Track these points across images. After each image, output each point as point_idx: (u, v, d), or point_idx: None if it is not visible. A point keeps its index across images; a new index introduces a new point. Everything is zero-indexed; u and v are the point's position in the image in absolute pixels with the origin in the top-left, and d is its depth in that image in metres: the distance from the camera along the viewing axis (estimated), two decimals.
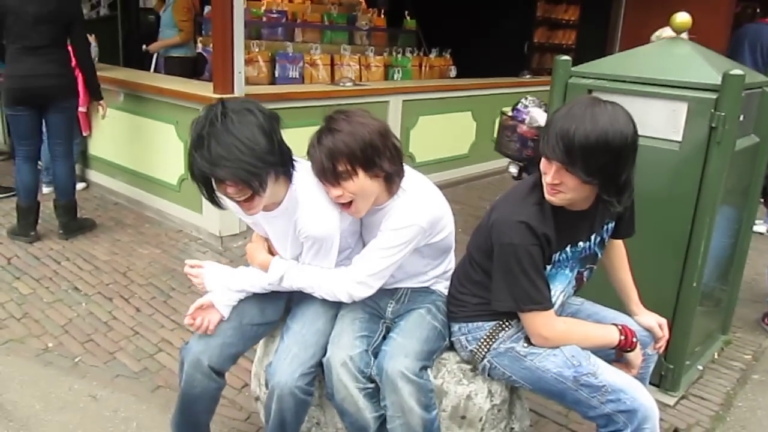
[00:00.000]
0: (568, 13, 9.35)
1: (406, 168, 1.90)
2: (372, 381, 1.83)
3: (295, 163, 1.86)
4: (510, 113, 4.01)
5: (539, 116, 3.86)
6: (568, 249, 1.82)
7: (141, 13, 7.40)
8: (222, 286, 1.95)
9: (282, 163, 1.78)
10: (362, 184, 1.78)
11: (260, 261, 1.96)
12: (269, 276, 1.92)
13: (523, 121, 3.94)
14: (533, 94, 6.21)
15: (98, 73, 4.22)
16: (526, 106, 3.97)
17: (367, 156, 1.76)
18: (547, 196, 1.72)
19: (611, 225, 1.93)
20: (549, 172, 1.67)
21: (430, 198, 1.90)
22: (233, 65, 3.85)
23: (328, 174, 1.77)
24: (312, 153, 1.80)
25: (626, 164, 1.66)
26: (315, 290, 1.90)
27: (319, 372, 1.88)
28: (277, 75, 5.53)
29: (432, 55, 6.87)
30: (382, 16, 7.22)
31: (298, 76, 5.59)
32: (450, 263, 2.10)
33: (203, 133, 1.66)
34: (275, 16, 6.11)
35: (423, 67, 6.69)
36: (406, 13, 7.68)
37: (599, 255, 1.95)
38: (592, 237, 1.87)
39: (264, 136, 1.69)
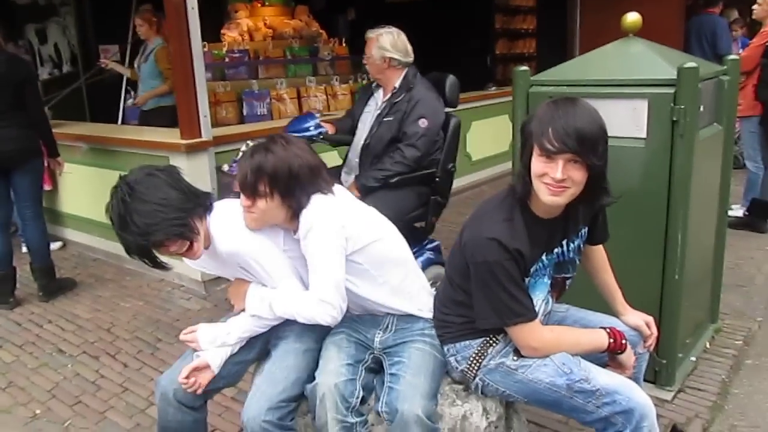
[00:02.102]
0: (526, 22, 9.53)
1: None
2: (355, 414, 1.81)
3: (210, 199, 1.98)
4: (226, 168, 3.38)
5: None
6: (543, 257, 1.82)
7: (103, 73, 7.38)
8: (218, 344, 1.97)
9: (200, 204, 1.90)
10: (272, 207, 1.87)
11: (244, 292, 1.99)
12: (251, 307, 1.95)
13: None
14: (499, 106, 6.27)
15: (65, 130, 4.21)
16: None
17: (288, 186, 1.85)
18: (549, 198, 1.69)
19: (585, 230, 1.93)
20: (554, 169, 1.65)
21: (328, 203, 1.92)
22: (198, 109, 3.85)
23: (248, 187, 1.86)
24: (241, 163, 1.91)
25: (608, 151, 1.73)
26: (296, 317, 1.92)
27: (296, 407, 1.89)
28: (245, 113, 5.54)
29: None
30: (344, 44, 7.27)
31: (266, 113, 5.60)
32: (410, 280, 2.05)
33: (122, 213, 1.76)
34: (237, 55, 6.13)
35: None
36: None
37: (577, 261, 1.95)
38: (565, 243, 1.87)
39: (174, 189, 1.83)
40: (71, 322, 3.69)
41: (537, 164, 1.68)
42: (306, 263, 1.94)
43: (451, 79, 3.39)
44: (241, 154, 3.10)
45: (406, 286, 2.04)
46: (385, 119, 3.21)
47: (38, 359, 3.28)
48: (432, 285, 2.20)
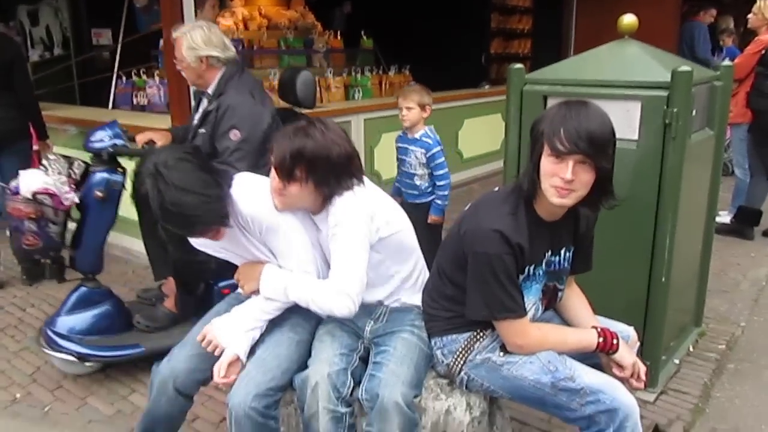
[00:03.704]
0: (522, 22, 9.54)
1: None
2: (345, 404, 1.81)
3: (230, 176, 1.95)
4: (12, 188, 2.73)
5: (36, 181, 2.68)
6: (541, 263, 1.82)
7: (95, 49, 7.32)
8: (237, 334, 1.92)
9: (228, 184, 1.88)
10: (305, 194, 1.83)
11: (258, 273, 1.94)
12: (266, 289, 1.91)
13: (17, 194, 2.65)
14: (492, 105, 6.26)
15: (55, 113, 4.17)
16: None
17: (324, 174, 1.80)
18: (556, 199, 1.69)
19: (572, 250, 1.92)
20: (564, 170, 1.65)
21: (362, 193, 1.90)
22: (189, 96, 3.81)
23: (284, 169, 1.79)
24: (281, 142, 1.81)
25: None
26: (309, 305, 1.88)
27: (284, 397, 1.88)
28: None
29: (391, 73, 6.91)
30: (339, 37, 7.25)
31: None
32: (419, 271, 2.06)
33: (162, 204, 1.73)
34: (232, 44, 6.09)
35: (383, 85, 6.72)
36: (363, 32, 7.73)
37: (567, 271, 1.94)
38: (562, 251, 1.87)
39: (206, 173, 1.81)
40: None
41: (547, 164, 1.68)
42: (320, 248, 1.93)
43: (303, 77, 3.02)
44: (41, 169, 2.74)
45: (413, 277, 2.04)
46: (200, 131, 2.81)
47: (19, 343, 3.25)
48: None
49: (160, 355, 2.08)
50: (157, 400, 1.96)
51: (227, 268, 2.12)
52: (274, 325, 1.98)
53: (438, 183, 3.41)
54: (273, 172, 1.82)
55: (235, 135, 2.67)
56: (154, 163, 1.76)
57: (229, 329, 1.92)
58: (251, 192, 1.91)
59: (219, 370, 1.85)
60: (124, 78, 6.06)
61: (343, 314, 1.83)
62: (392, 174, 5.53)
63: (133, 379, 2.90)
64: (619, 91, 2.49)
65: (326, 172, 1.80)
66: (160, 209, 1.74)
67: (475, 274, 1.76)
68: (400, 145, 3.53)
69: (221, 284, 2.82)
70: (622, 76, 2.52)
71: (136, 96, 5.83)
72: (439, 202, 3.42)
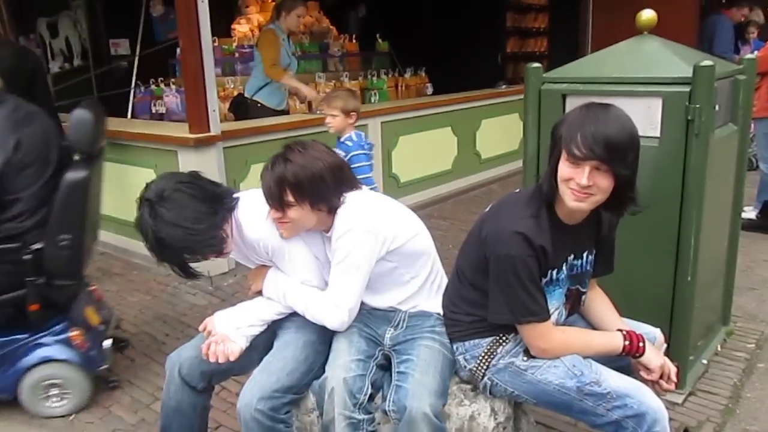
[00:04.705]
0: (538, 21, 9.47)
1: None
2: (363, 411, 1.79)
3: (234, 196, 1.97)
4: None
5: None
6: (563, 266, 1.80)
7: (113, 60, 7.41)
8: (233, 328, 1.97)
9: (227, 208, 1.90)
10: (304, 214, 1.85)
11: (264, 274, 2.01)
12: (267, 289, 1.97)
13: None
14: (509, 104, 6.23)
15: None
16: None
17: (315, 191, 1.83)
18: (573, 203, 1.67)
19: (594, 254, 1.89)
20: (580, 175, 1.63)
21: (367, 204, 1.92)
22: (207, 104, 3.84)
23: (274, 199, 1.84)
24: (263, 176, 1.87)
25: (638, 159, 1.70)
26: (305, 313, 1.94)
27: (296, 399, 1.91)
28: None
29: (407, 75, 6.92)
30: (354, 41, 7.28)
31: None
32: (435, 275, 2.04)
33: (155, 236, 1.77)
34: (247, 50, 6.14)
35: (399, 88, 6.73)
36: (378, 35, 7.74)
37: (590, 274, 1.91)
38: (584, 254, 1.85)
39: (201, 202, 1.82)
40: None
41: (564, 168, 1.66)
42: (327, 264, 1.94)
43: (75, 116, 2.53)
44: None
45: (429, 282, 2.02)
46: None
47: None
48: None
49: None
50: (167, 389, 2.02)
51: None
52: (281, 329, 2.01)
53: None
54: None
55: None
56: (154, 191, 1.81)
57: (228, 320, 1.97)
58: (257, 216, 1.93)
59: (205, 346, 1.92)
60: (142, 87, 6.13)
61: (335, 327, 1.89)
62: (411, 176, 5.57)
63: (157, 388, 2.91)
64: (640, 87, 2.45)
65: (316, 188, 1.83)
66: (152, 240, 1.79)
67: (498, 278, 1.74)
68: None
69: None
70: (642, 73, 2.48)
71: (155, 104, 5.91)
72: None
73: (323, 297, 1.91)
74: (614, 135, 1.60)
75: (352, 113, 3.36)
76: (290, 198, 1.82)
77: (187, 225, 1.78)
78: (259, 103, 4.92)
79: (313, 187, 1.83)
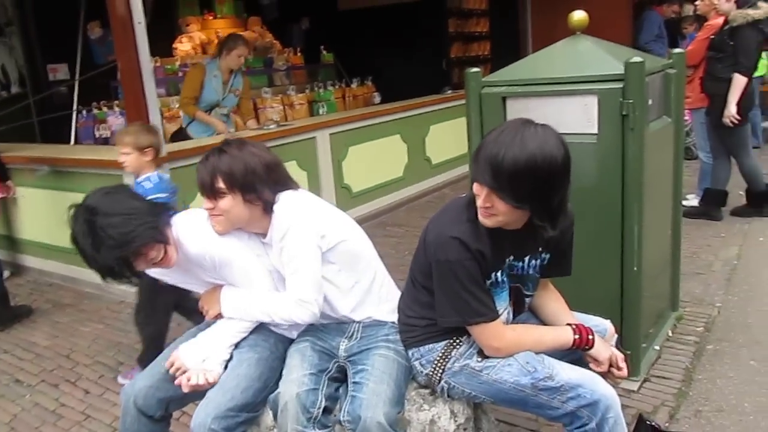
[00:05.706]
0: (479, 25, 9.63)
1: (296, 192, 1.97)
2: (319, 425, 1.78)
3: (170, 210, 2.00)
4: None
5: None
6: (505, 267, 1.82)
7: (52, 85, 7.23)
8: (210, 360, 1.93)
9: (164, 212, 1.92)
10: (235, 205, 1.86)
11: (218, 297, 1.98)
12: (227, 310, 1.95)
13: None
14: (456, 109, 6.31)
15: (16, 153, 4.10)
16: None
17: (246, 181, 1.85)
18: (480, 218, 1.71)
19: (548, 257, 1.91)
20: (480, 195, 1.66)
21: (301, 200, 1.94)
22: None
23: (207, 188, 1.87)
24: (198, 167, 1.90)
25: (558, 188, 1.65)
26: (273, 318, 1.93)
27: (252, 418, 1.88)
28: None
29: (354, 85, 6.94)
30: (299, 54, 7.27)
31: None
32: (380, 283, 2.05)
33: (92, 232, 1.73)
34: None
35: (347, 98, 6.75)
36: (322, 47, 7.75)
37: (537, 280, 1.93)
38: (526, 258, 1.86)
39: (136, 200, 1.85)
40: (28, 351, 3.57)
41: (474, 184, 1.69)
42: (277, 273, 1.94)
43: None
44: None
45: (376, 287, 2.03)
46: None
47: None
48: None
49: None
50: (123, 420, 1.97)
51: None
52: (235, 349, 1.98)
53: None
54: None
55: None
56: (83, 203, 1.80)
57: (196, 354, 1.94)
58: (195, 229, 1.93)
59: (184, 380, 1.88)
60: (84, 112, 6.00)
61: (307, 320, 1.91)
62: (363, 186, 5.58)
63: (114, 418, 2.83)
64: (575, 86, 2.52)
65: (248, 180, 1.86)
66: (89, 238, 1.74)
67: (441, 282, 1.76)
68: None
69: None
70: (576, 72, 2.55)
71: (98, 128, 5.79)
72: None
73: (285, 298, 1.90)
74: (507, 164, 1.57)
75: (146, 150, 3.02)
76: (221, 185, 1.84)
77: (125, 212, 1.77)
78: (190, 136, 4.89)
79: (244, 177, 1.85)
